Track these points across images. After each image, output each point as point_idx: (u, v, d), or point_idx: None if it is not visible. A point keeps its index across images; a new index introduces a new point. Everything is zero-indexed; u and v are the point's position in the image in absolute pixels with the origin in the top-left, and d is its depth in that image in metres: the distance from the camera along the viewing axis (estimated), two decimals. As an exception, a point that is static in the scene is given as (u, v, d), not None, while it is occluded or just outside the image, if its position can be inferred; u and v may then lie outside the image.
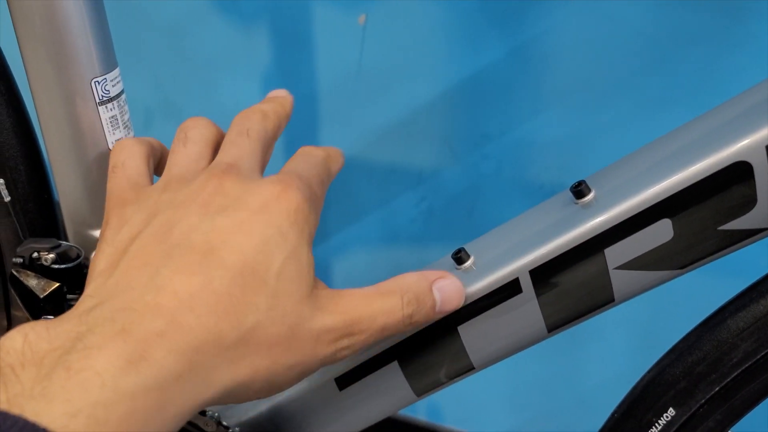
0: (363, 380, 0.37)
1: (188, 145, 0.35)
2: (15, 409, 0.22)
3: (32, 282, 0.39)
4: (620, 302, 0.34)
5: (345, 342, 0.31)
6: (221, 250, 0.28)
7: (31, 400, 0.22)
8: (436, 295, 0.33)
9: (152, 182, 0.35)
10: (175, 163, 0.34)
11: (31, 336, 0.24)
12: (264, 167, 0.35)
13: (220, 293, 0.27)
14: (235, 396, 0.28)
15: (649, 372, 0.37)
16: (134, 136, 0.38)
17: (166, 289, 0.27)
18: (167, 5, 0.76)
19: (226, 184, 0.31)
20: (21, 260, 0.40)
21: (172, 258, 0.28)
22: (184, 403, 0.25)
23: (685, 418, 0.36)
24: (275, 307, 0.28)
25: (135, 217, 0.31)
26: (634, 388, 0.38)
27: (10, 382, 0.23)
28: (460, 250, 0.35)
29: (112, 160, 0.35)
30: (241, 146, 0.34)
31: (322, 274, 0.83)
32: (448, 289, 0.33)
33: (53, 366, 0.23)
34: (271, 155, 0.37)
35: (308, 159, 0.35)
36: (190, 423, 0.40)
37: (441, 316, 0.34)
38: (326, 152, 0.36)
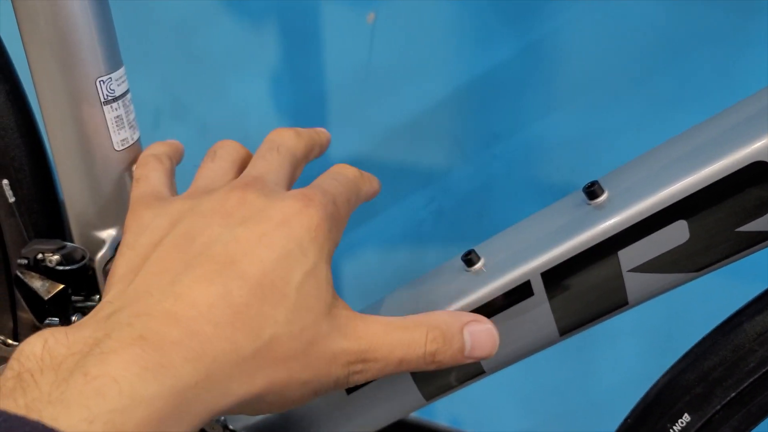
0: (371, 384, 0.37)
1: (216, 161, 0.36)
2: (33, 414, 0.22)
3: (37, 283, 0.39)
4: (634, 305, 0.33)
5: (359, 367, 0.30)
6: (241, 261, 0.28)
7: (49, 406, 0.23)
8: (467, 338, 0.31)
9: (174, 195, 0.35)
10: (202, 176, 0.35)
11: (51, 341, 0.25)
12: (291, 184, 0.35)
13: (239, 304, 0.27)
14: (249, 407, 0.28)
15: (663, 376, 0.37)
16: (158, 152, 0.38)
17: (185, 297, 0.27)
18: (175, 4, 0.76)
19: (249, 196, 0.31)
20: (26, 261, 0.40)
21: (192, 267, 0.28)
22: (199, 412, 0.26)
23: (700, 424, 0.35)
24: (294, 321, 0.28)
25: (156, 222, 0.31)
26: (649, 392, 0.37)
27: (28, 387, 0.23)
28: (470, 252, 0.35)
29: (137, 173, 0.36)
30: (269, 161, 0.34)
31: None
32: (481, 336, 0.32)
33: (71, 371, 0.24)
34: (299, 174, 0.37)
35: (337, 176, 0.35)
36: (195, 427, 0.39)
37: (469, 361, 0.32)
38: (359, 173, 0.36)
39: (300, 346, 0.28)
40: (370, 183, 0.37)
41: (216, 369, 0.26)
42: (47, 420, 0.22)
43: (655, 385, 0.37)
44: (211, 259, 0.28)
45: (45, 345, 0.25)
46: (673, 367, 0.36)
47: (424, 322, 0.31)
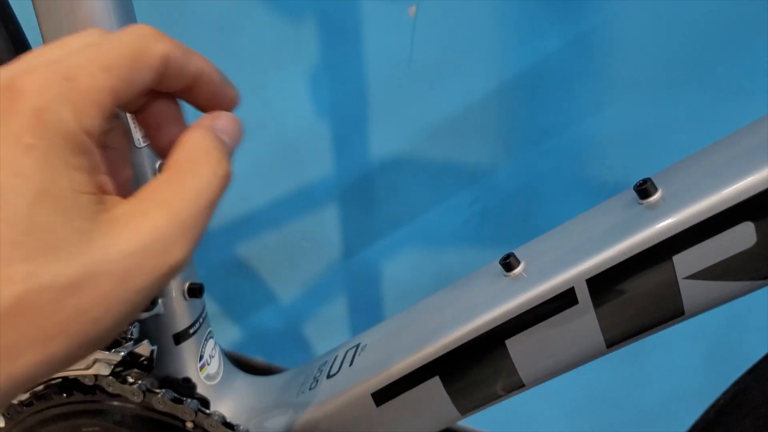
0: (401, 396, 0.35)
1: None
2: None
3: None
4: (691, 316, 0.30)
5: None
6: None
7: None
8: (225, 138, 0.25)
9: None
10: None
11: None
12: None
13: None
14: (44, 376, 0.21)
15: (724, 394, 0.33)
16: None
17: None
18: (214, 0, 0.75)
19: None
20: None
21: None
22: None
23: (765, 447, 0.32)
24: (38, 273, 0.20)
25: None
26: (708, 411, 0.34)
27: None
28: (509, 256, 0.32)
29: None
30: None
31: (370, 275, 0.80)
32: (227, 127, 0.26)
33: None
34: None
35: (103, 36, 0.23)
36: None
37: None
38: (153, 32, 0.23)
39: (66, 297, 0.20)
40: (183, 50, 0.24)
41: None
42: None
43: (715, 403, 0.34)
44: None
45: None
46: (735, 384, 0.33)
47: (194, 157, 0.23)
